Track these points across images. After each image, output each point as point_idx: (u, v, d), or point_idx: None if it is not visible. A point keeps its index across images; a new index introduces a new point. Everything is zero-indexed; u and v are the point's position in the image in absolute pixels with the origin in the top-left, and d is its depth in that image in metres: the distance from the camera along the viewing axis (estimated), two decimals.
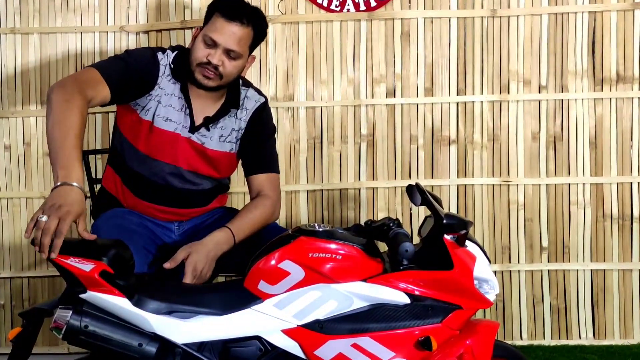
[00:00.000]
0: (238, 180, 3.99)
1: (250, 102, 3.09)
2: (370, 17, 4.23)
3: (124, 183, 3.04)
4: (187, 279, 2.68)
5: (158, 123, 2.91)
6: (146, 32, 4.25)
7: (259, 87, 3.45)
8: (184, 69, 2.94)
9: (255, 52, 4.10)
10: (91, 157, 3.96)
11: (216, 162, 3.03)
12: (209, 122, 2.97)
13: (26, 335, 2.34)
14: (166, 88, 2.93)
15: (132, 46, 4.23)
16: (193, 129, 2.96)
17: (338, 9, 4.23)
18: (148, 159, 2.95)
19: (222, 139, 3.02)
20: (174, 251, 2.87)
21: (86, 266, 2.27)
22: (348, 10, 4.23)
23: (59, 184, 2.32)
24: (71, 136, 2.40)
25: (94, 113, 4.22)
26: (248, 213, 2.96)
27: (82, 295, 2.31)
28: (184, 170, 2.98)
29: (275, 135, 3.24)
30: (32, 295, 4.28)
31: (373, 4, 4.22)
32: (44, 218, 2.21)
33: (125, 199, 3.06)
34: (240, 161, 3.16)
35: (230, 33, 2.84)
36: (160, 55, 2.94)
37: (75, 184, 2.31)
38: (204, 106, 2.98)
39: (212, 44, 2.84)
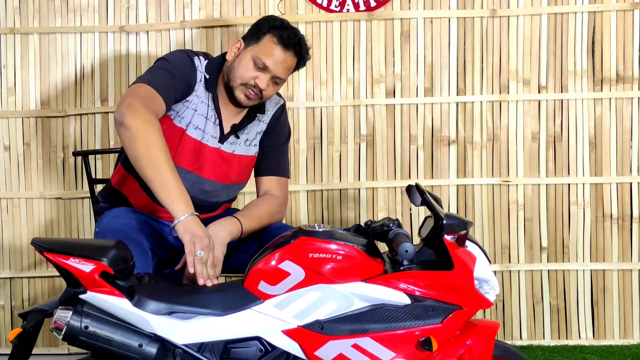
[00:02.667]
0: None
1: (271, 104, 3.10)
2: (369, 18, 4.23)
3: (139, 183, 3.00)
4: (189, 268, 2.61)
5: (190, 131, 2.90)
6: (146, 32, 4.25)
7: None
8: (216, 80, 2.95)
9: None
10: (91, 157, 3.97)
11: (241, 168, 3.04)
12: (237, 129, 2.98)
13: (26, 336, 2.34)
14: (201, 96, 2.92)
15: (132, 47, 4.24)
16: (222, 138, 2.96)
17: (338, 9, 4.24)
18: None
19: (247, 142, 3.03)
20: (180, 251, 2.88)
21: (86, 267, 2.27)
22: (348, 10, 4.23)
23: (188, 214, 2.50)
24: (169, 160, 2.53)
25: (94, 113, 4.22)
26: (255, 206, 2.97)
27: (82, 296, 2.31)
28: (205, 180, 2.97)
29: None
30: (32, 296, 4.29)
31: (373, 4, 4.22)
32: (201, 253, 2.48)
33: (136, 199, 3.03)
34: None
35: (283, 61, 2.86)
36: (197, 60, 2.93)
37: (191, 213, 2.51)
38: (231, 114, 2.99)
39: (263, 68, 2.85)
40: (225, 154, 2.97)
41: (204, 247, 2.48)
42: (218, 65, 2.97)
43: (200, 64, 2.93)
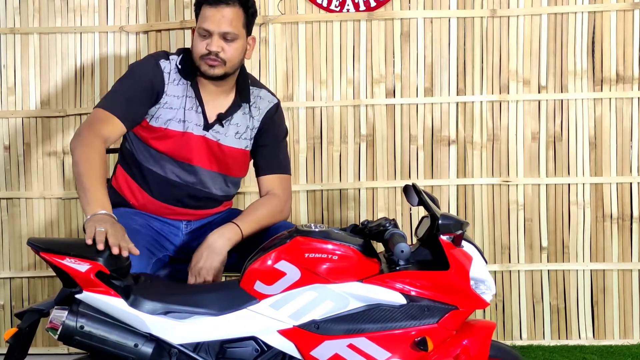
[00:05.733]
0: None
1: (263, 102, 3.11)
2: (369, 17, 4.23)
3: (136, 182, 3.06)
4: (190, 280, 2.71)
5: (171, 126, 2.95)
6: (146, 32, 4.26)
7: None
8: (192, 68, 2.99)
9: (255, 53, 4.15)
10: None
11: (231, 160, 3.06)
12: (222, 118, 3.00)
13: (22, 335, 2.34)
14: (175, 92, 2.97)
15: (132, 47, 4.25)
16: (207, 126, 2.99)
17: (338, 9, 4.23)
18: (164, 157, 2.99)
19: (237, 135, 3.05)
20: (181, 250, 3.00)
21: (82, 266, 2.28)
22: (348, 10, 4.23)
23: (89, 215, 2.49)
24: (95, 175, 2.63)
25: (87, 114, 4.19)
26: (255, 209, 2.98)
27: (78, 296, 2.32)
28: (198, 168, 3.01)
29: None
30: (32, 296, 4.29)
31: (373, 4, 4.22)
32: (102, 229, 2.39)
33: (136, 198, 3.07)
34: (251, 161, 3.19)
35: (219, 17, 2.88)
36: (163, 63, 2.98)
37: (102, 211, 2.50)
38: (216, 103, 3.01)
39: (207, 34, 2.89)
40: (212, 142, 3.00)
41: (104, 227, 2.41)
42: (190, 57, 3.01)
43: (171, 62, 2.99)
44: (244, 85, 3.07)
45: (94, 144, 2.73)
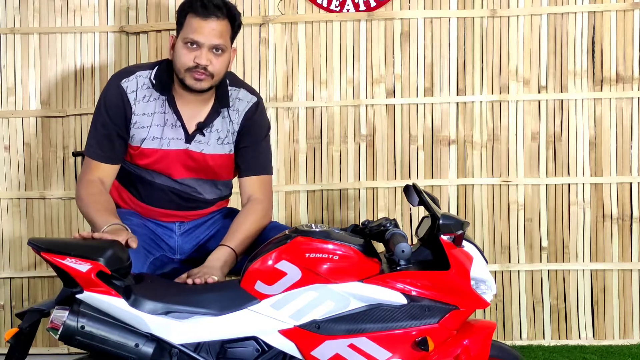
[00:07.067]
0: None
1: (242, 104, 3.06)
2: (369, 17, 4.23)
3: (125, 187, 3.07)
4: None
5: (146, 144, 2.94)
6: (146, 32, 4.24)
7: (258, 88, 3.45)
8: (170, 80, 2.96)
9: (255, 52, 4.15)
10: None
11: (217, 167, 3.04)
12: (202, 127, 2.97)
13: (23, 335, 2.35)
14: (145, 110, 2.94)
15: (132, 47, 4.24)
16: (188, 138, 2.96)
17: (338, 9, 4.23)
18: (147, 171, 3.00)
19: (219, 141, 3.01)
20: (177, 251, 3.02)
21: (83, 266, 2.28)
22: (348, 10, 4.23)
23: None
24: (96, 209, 2.80)
25: (88, 114, 4.20)
26: (241, 224, 2.94)
27: (79, 296, 2.32)
28: (181, 180, 3.01)
29: (270, 134, 3.21)
30: (32, 296, 4.29)
31: (373, 4, 4.21)
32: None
33: (126, 203, 3.09)
34: None
35: (209, 30, 2.83)
36: (125, 83, 2.94)
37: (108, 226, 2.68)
38: (194, 112, 2.98)
39: (196, 46, 2.84)
40: (195, 154, 2.98)
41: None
42: (167, 68, 2.98)
43: (138, 80, 2.95)
44: (223, 91, 3.02)
45: (90, 190, 2.89)
